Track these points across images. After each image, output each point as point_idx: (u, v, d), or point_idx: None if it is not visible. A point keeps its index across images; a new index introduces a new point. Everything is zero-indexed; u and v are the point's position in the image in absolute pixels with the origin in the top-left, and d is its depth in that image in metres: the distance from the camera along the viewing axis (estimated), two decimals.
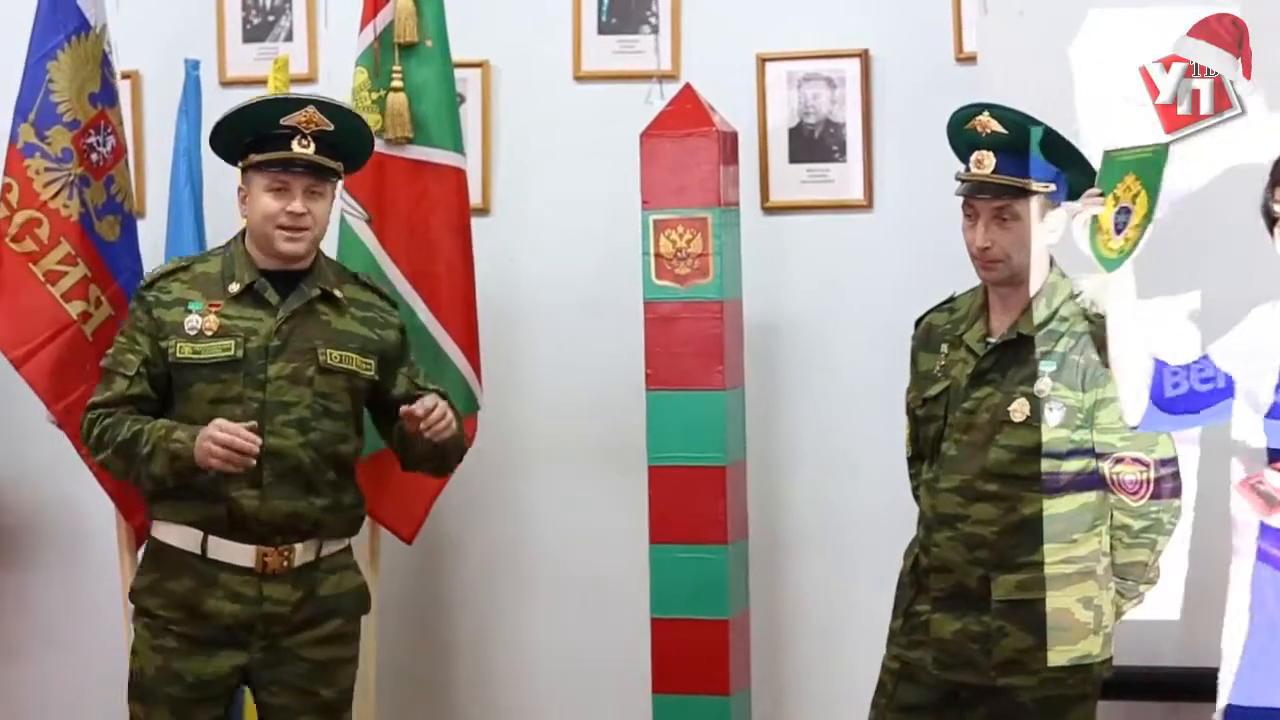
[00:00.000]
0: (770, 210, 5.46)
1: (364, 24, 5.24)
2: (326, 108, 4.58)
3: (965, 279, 4.50)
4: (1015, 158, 4.30)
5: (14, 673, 5.97)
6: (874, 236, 5.40)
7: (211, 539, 4.53)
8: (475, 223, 5.33)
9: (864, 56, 5.38)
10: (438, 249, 5.24)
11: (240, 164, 4.62)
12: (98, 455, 4.64)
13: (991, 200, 4.32)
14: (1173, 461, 4.28)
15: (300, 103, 4.58)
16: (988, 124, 4.34)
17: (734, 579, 5.18)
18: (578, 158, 5.56)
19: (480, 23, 5.54)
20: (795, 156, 5.44)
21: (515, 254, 5.53)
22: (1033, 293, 4.32)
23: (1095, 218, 3.86)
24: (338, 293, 4.63)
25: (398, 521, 5.30)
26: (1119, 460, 4.26)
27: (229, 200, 5.15)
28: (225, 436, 4.40)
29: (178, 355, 4.55)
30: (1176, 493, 4.29)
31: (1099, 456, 4.28)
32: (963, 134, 4.39)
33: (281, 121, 4.53)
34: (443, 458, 4.73)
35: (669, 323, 5.15)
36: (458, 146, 5.28)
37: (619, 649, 5.47)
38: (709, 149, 5.12)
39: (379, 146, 5.18)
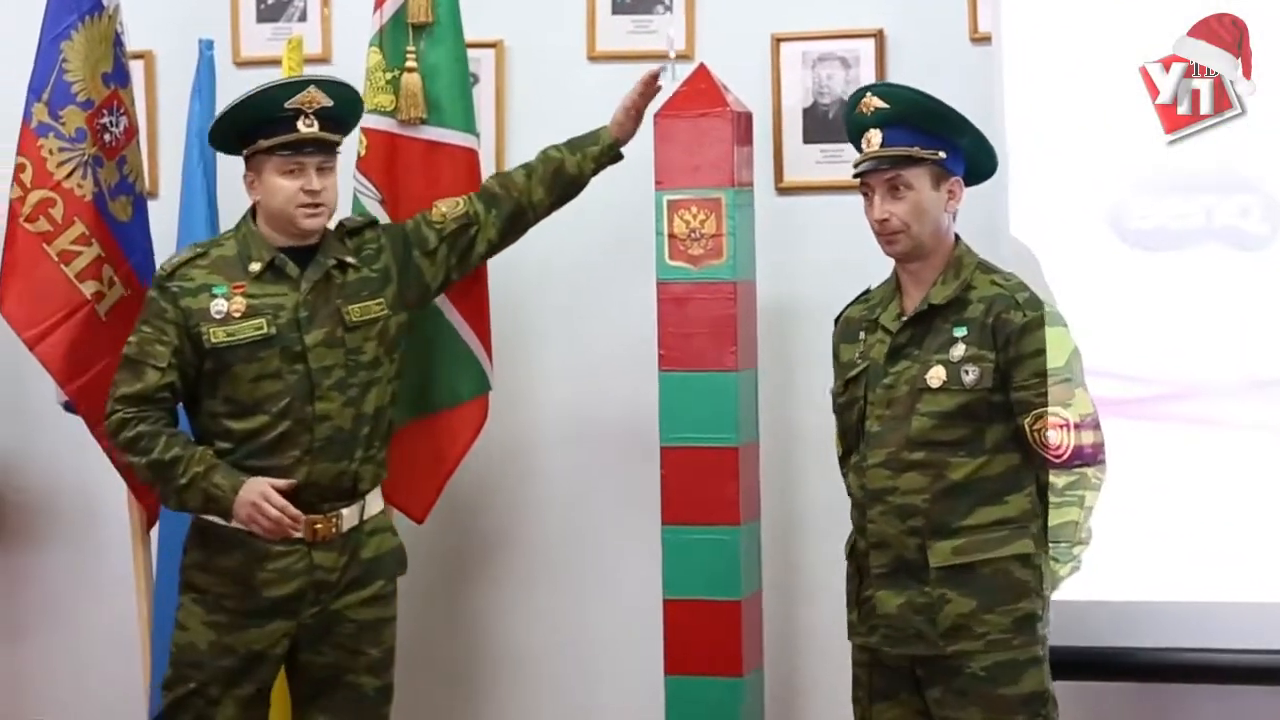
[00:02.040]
0: (784, 191, 5.45)
1: (377, 5, 5.23)
2: (325, 85, 4.72)
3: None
4: (902, 129, 4.38)
5: (20, 653, 5.98)
6: None
7: None
8: None
9: (879, 36, 5.36)
10: None
11: (245, 152, 4.72)
12: (126, 456, 4.71)
13: (885, 172, 4.38)
14: (1092, 417, 4.31)
15: (302, 84, 4.72)
16: (871, 103, 4.43)
17: (746, 560, 5.17)
18: None
19: (494, 3, 5.53)
20: (809, 137, 5.42)
21: (528, 234, 5.50)
22: (939, 264, 4.40)
23: None
24: (348, 258, 4.76)
25: (409, 502, 5.28)
26: (1039, 419, 4.29)
27: (241, 181, 5.16)
28: (275, 514, 4.54)
29: (213, 341, 4.65)
30: (1099, 447, 4.33)
31: (1019, 415, 4.31)
32: (854, 121, 4.46)
33: (285, 104, 4.64)
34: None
35: (682, 303, 5.14)
36: (470, 127, 5.27)
37: (631, 630, 5.47)
38: (723, 129, 5.11)
39: (392, 127, 5.20)
